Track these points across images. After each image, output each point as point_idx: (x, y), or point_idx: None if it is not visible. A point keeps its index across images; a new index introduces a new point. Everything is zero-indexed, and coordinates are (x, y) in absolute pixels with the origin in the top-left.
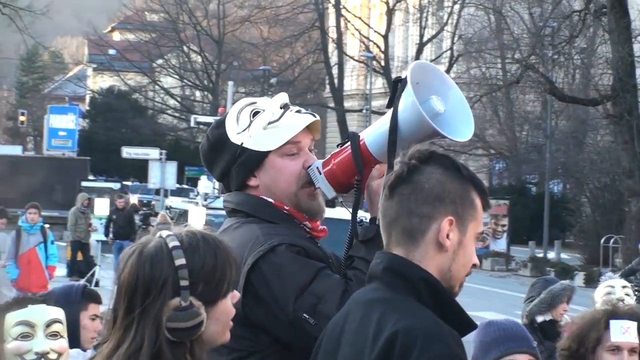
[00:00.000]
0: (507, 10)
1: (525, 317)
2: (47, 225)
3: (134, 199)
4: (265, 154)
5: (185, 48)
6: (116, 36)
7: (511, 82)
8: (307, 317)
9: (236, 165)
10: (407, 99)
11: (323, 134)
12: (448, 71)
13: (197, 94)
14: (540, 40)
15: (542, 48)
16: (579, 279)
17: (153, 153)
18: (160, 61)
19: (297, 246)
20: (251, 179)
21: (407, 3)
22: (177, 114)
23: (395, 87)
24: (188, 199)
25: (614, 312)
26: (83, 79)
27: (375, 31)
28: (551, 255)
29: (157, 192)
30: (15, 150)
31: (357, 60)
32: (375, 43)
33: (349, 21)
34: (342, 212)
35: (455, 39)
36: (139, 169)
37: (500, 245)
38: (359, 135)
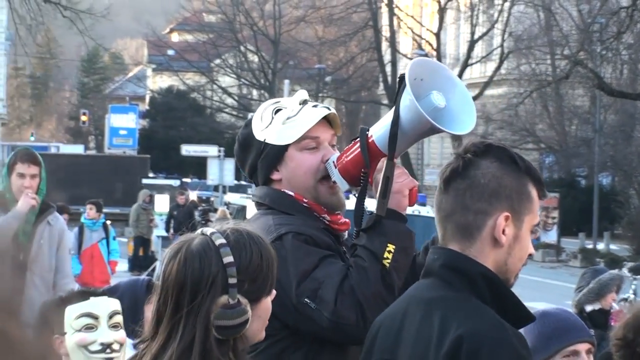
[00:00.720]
0: (556, 8)
1: (575, 306)
2: (108, 222)
3: (193, 195)
4: (285, 148)
5: (242, 48)
6: (175, 37)
7: (560, 78)
8: (308, 301)
9: (260, 160)
10: (406, 96)
11: None
12: (499, 67)
13: (254, 92)
14: (588, 36)
15: (591, 44)
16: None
17: (211, 150)
18: (217, 61)
19: (304, 235)
20: (274, 173)
21: (459, 1)
22: (234, 112)
23: (400, 83)
24: (246, 195)
25: None
26: (143, 79)
27: (427, 29)
28: (600, 246)
29: (216, 188)
30: (78, 149)
31: (409, 58)
32: (427, 41)
33: (401, 20)
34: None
35: (506, 36)
36: (198, 166)
37: (550, 237)
38: (368, 130)
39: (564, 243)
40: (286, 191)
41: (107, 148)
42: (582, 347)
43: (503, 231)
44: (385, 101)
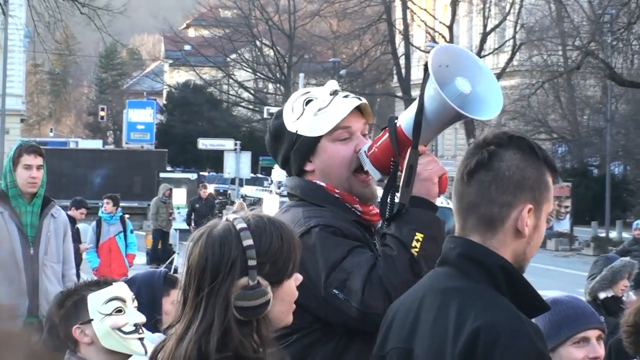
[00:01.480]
0: None
1: (588, 294)
2: (126, 216)
3: (210, 188)
4: (318, 139)
5: (257, 42)
6: (191, 32)
7: (572, 69)
8: (337, 292)
9: (293, 152)
10: (430, 84)
11: None
12: (511, 59)
13: (270, 86)
14: (599, 27)
15: (602, 35)
16: None
17: (228, 144)
18: (233, 56)
19: (333, 227)
20: (307, 164)
21: None
22: (250, 106)
23: (425, 71)
24: (262, 188)
25: None
26: (160, 74)
27: (440, 22)
28: (613, 234)
29: (233, 181)
30: (96, 144)
31: (423, 51)
32: (440, 34)
33: (414, 13)
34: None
35: (518, 28)
36: (215, 160)
37: (563, 226)
38: (397, 119)
39: (577, 232)
40: (318, 182)
41: (125, 143)
42: (593, 333)
43: (526, 222)
44: (400, 93)
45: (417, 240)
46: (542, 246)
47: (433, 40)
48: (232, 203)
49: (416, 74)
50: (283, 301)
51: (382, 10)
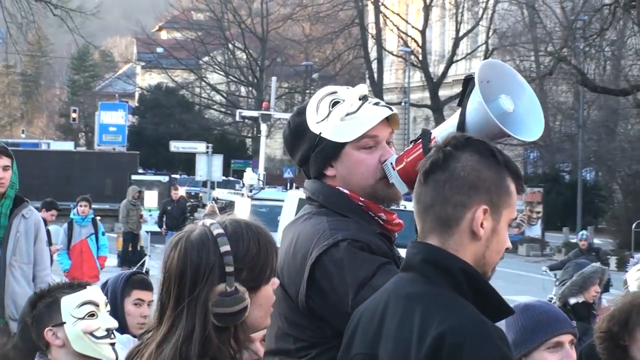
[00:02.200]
0: (540, 5)
1: (559, 299)
2: (97, 218)
3: (182, 191)
4: (342, 145)
5: (230, 45)
6: (163, 35)
7: (544, 74)
8: None
9: (314, 154)
10: (474, 98)
11: None
12: None
13: (242, 89)
14: (572, 33)
15: (574, 41)
16: (612, 263)
17: (200, 147)
18: (206, 58)
19: (360, 241)
20: (328, 169)
21: (444, 0)
22: (222, 109)
23: (466, 85)
24: (234, 191)
25: None
26: (132, 76)
27: (413, 27)
28: None
29: (204, 184)
30: (68, 146)
31: (395, 55)
32: (413, 38)
33: (387, 17)
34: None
35: (490, 33)
36: (187, 162)
37: (535, 231)
38: (431, 133)
39: (548, 237)
40: (340, 189)
41: (96, 145)
42: (566, 338)
43: (481, 224)
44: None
45: None
46: (513, 251)
47: (406, 44)
48: (204, 206)
49: (388, 78)
50: (260, 306)
51: (354, 14)
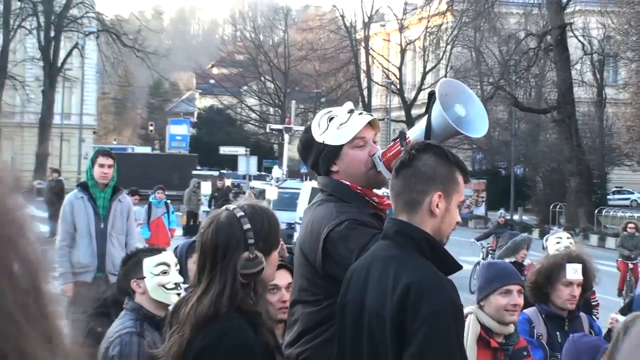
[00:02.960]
0: (484, 49)
1: (496, 259)
2: (169, 201)
3: (228, 182)
4: (340, 147)
5: (262, 78)
6: (215, 70)
7: (487, 98)
8: None
9: (321, 158)
10: (436, 107)
11: None
12: None
13: (271, 109)
14: (506, 69)
15: (508, 74)
16: (535, 233)
17: (241, 150)
18: (245, 87)
19: (359, 220)
20: (333, 166)
21: (415, 45)
22: (257, 124)
23: (430, 98)
24: (265, 182)
25: (569, 257)
26: (192, 100)
27: (392, 64)
28: (516, 217)
29: (244, 177)
30: (147, 150)
31: (380, 85)
32: (392, 73)
33: (374, 58)
34: None
35: (448, 69)
36: (231, 162)
37: (480, 211)
38: (406, 134)
39: (490, 215)
40: (343, 181)
41: (167, 149)
42: (514, 287)
43: (437, 205)
44: None
45: None
46: (464, 225)
47: (387, 77)
48: (244, 193)
49: (375, 101)
50: (271, 265)
51: (351, 56)
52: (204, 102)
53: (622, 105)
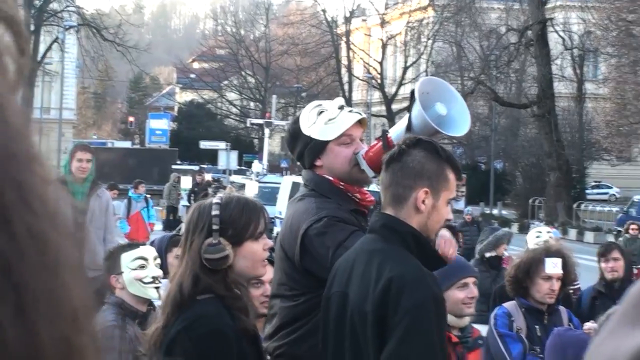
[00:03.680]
0: (465, 44)
1: (478, 253)
2: (148, 196)
3: (208, 176)
4: (326, 143)
5: (243, 73)
6: (195, 65)
7: (467, 93)
8: None
9: (307, 151)
10: (416, 107)
11: None
12: None
13: (251, 104)
14: (487, 64)
15: (489, 69)
16: (515, 228)
17: (221, 145)
18: (225, 82)
19: (337, 217)
20: (317, 161)
21: (396, 40)
22: (237, 118)
23: (412, 96)
24: (245, 176)
25: (548, 251)
26: (173, 95)
27: (374, 59)
28: (495, 211)
29: (224, 171)
30: (126, 144)
31: (361, 80)
32: (374, 67)
33: (355, 52)
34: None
35: (429, 63)
36: (211, 156)
37: (460, 205)
38: (388, 132)
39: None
40: (326, 177)
41: (147, 143)
42: (470, 280)
43: (423, 202)
44: None
45: None
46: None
47: (368, 72)
48: (224, 187)
49: (356, 96)
50: (245, 258)
51: (332, 50)
52: (185, 96)
53: (602, 100)
